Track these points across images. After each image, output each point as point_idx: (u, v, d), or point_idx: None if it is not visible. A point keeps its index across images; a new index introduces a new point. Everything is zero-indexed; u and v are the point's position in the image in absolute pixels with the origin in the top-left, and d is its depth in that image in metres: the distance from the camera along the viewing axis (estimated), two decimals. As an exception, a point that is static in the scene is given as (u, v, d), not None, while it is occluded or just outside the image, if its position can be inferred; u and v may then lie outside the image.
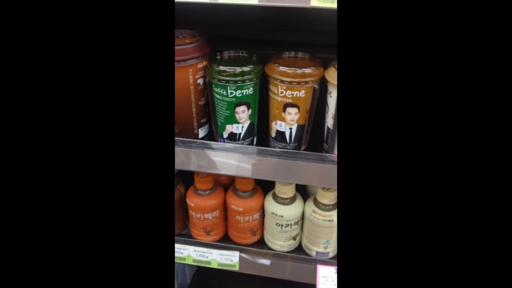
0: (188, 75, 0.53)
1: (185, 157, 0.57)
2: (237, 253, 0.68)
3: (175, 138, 0.57)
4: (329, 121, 0.56)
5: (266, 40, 0.75)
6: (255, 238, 0.70)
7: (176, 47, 0.51)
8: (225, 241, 0.71)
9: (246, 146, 0.58)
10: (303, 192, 0.72)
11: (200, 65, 0.53)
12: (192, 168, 0.58)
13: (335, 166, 0.54)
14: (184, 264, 0.99)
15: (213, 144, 0.57)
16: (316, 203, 0.65)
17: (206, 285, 1.03)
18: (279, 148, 0.58)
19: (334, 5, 0.44)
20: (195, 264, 0.69)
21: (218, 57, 0.56)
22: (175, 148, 0.56)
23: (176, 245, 0.69)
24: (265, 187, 0.69)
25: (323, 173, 0.55)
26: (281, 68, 0.53)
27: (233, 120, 0.56)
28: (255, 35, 0.74)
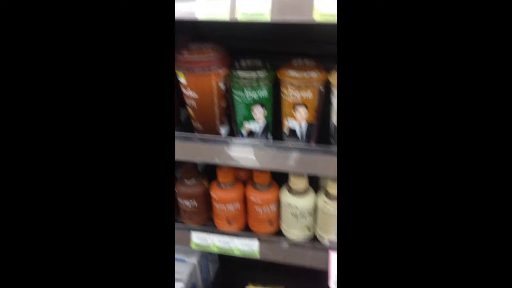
0: (212, 81, 0.62)
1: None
2: (256, 242, 0.75)
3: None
4: (334, 119, 0.64)
5: (275, 52, 0.84)
6: (272, 228, 0.78)
7: (202, 58, 0.61)
8: (245, 231, 0.78)
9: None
10: (316, 186, 0.79)
11: (221, 72, 0.63)
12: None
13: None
14: (207, 261, 1.06)
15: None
16: (327, 194, 0.72)
17: (230, 282, 1.09)
18: (291, 143, 0.66)
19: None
20: (218, 251, 0.77)
21: (237, 65, 0.66)
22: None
23: (201, 234, 0.78)
24: (279, 182, 0.76)
25: (329, 164, 0.63)
26: (291, 73, 0.61)
27: (250, 119, 0.64)
28: (265, 47, 0.84)
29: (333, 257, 0.72)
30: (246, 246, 0.76)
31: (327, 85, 0.62)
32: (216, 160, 0.66)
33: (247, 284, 1.00)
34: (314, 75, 0.61)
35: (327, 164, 0.63)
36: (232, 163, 0.66)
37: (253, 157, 0.65)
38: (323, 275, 0.75)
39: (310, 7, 0.52)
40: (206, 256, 1.05)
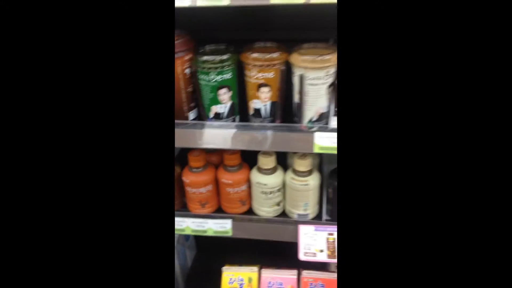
0: (177, 66, 0.64)
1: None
2: (229, 221, 0.78)
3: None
4: (296, 97, 0.68)
5: (237, 39, 0.87)
6: (244, 208, 0.81)
7: (165, 43, 0.62)
8: (219, 213, 0.81)
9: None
10: (284, 165, 0.83)
11: (186, 57, 0.65)
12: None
13: (302, 135, 0.66)
14: (184, 247, 1.08)
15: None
16: (294, 171, 0.76)
17: (207, 267, 1.12)
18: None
19: (290, 1, 0.56)
20: (193, 233, 0.79)
21: (201, 50, 0.68)
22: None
23: (176, 219, 0.79)
24: (249, 163, 0.80)
25: (295, 140, 0.66)
26: (253, 55, 0.64)
27: (217, 101, 0.67)
28: (228, 35, 0.86)
29: (302, 230, 0.76)
30: (220, 226, 0.79)
31: (288, 65, 0.66)
32: (186, 144, 0.68)
33: (224, 269, 1.02)
34: (275, 55, 0.64)
35: (294, 141, 0.66)
36: (202, 146, 0.69)
37: (222, 139, 0.68)
38: (295, 251, 0.78)
39: (266, -10, 0.55)
40: (183, 243, 1.06)
